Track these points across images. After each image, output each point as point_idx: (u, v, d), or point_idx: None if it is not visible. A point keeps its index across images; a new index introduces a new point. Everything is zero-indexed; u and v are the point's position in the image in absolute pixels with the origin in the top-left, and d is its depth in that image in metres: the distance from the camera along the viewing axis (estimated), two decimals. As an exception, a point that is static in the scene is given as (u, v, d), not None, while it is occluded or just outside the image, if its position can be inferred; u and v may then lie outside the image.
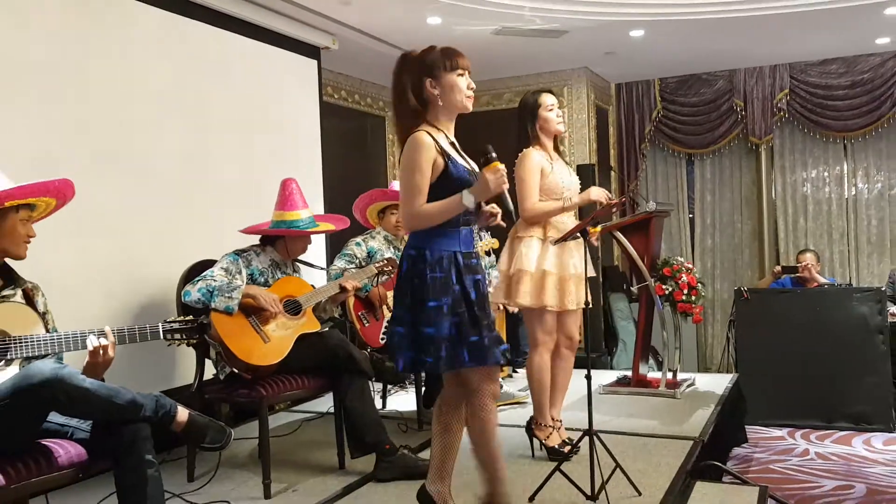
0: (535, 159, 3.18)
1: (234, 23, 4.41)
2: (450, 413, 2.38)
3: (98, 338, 2.21)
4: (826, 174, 7.00)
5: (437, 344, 2.22)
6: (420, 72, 2.32)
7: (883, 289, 5.05)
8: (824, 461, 4.24)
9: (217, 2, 4.23)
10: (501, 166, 2.22)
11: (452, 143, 2.37)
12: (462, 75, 2.33)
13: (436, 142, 2.28)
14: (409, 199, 2.26)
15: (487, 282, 2.54)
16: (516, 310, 3.67)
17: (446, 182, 2.26)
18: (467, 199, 2.21)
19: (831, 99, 6.79)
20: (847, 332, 4.82)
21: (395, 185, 4.49)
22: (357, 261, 3.95)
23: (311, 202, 3.54)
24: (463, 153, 2.40)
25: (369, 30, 5.29)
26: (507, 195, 2.29)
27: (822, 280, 5.76)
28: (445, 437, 2.39)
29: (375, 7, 4.80)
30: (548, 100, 3.24)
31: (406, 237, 4.21)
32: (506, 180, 2.25)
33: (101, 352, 2.20)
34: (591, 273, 3.18)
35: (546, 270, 3.13)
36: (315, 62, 5.14)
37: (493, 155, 2.22)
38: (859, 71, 6.68)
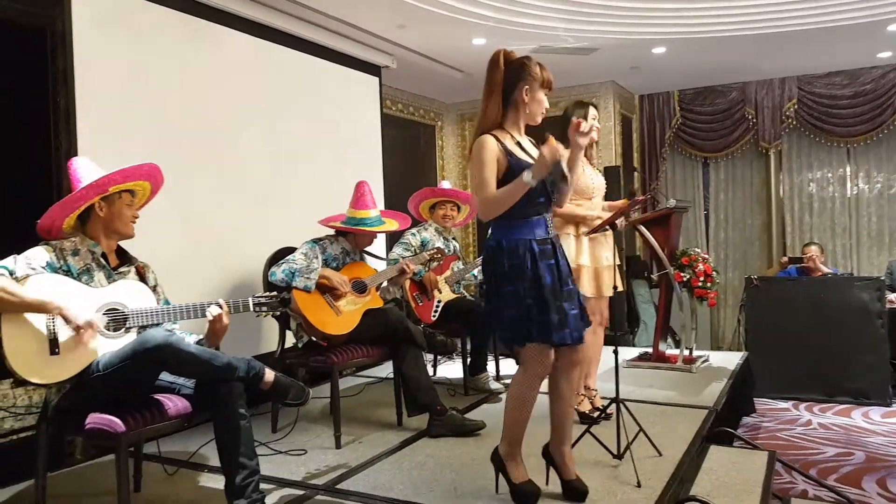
0: None
1: (309, 46, 4.47)
2: (525, 388, 2.26)
3: (209, 308, 2.25)
4: (830, 175, 6.76)
5: (514, 324, 2.19)
6: (519, 76, 2.24)
7: (882, 278, 4.86)
8: (826, 430, 4.11)
9: (295, 28, 4.29)
10: (556, 143, 2.11)
11: (518, 143, 2.28)
12: (546, 95, 2.28)
13: (500, 143, 2.22)
14: (480, 190, 2.20)
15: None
16: None
17: (512, 177, 2.17)
18: (527, 176, 2.11)
19: (836, 108, 6.54)
20: (848, 316, 4.66)
21: (444, 184, 4.50)
22: (412, 249, 3.97)
23: (375, 199, 3.57)
24: (529, 153, 2.28)
25: (423, 50, 5.29)
26: (564, 164, 2.19)
27: (825, 270, 5.57)
28: (519, 409, 2.27)
29: (428, 30, 4.80)
30: (591, 111, 3.10)
31: (453, 230, 4.26)
32: (559, 150, 2.10)
33: (217, 320, 2.25)
34: (617, 261, 3.15)
35: (581, 264, 3.12)
36: (377, 79, 5.17)
37: (548, 135, 2.13)
38: (862, 82, 6.41)
